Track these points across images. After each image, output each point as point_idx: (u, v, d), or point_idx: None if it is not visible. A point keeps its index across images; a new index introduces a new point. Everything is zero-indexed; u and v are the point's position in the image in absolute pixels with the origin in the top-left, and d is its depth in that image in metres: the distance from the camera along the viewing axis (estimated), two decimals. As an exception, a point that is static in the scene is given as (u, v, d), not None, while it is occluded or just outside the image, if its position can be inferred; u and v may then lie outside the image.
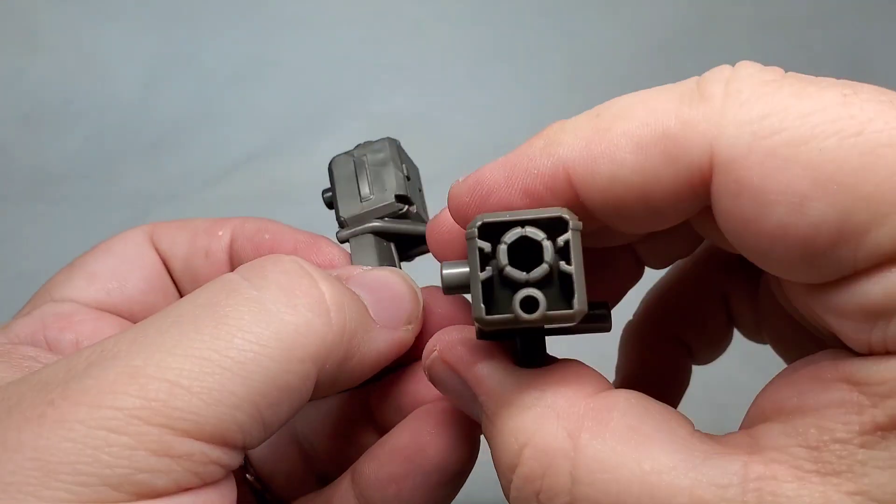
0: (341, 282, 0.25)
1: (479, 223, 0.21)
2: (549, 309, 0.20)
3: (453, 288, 0.23)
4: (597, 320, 0.26)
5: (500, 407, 0.22)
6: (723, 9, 0.83)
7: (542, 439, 0.21)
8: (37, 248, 0.68)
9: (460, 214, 0.24)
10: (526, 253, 0.21)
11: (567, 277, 0.21)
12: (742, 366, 0.65)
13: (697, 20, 0.83)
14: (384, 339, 0.26)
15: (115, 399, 0.20)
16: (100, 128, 0.76)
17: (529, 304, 0.20)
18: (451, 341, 0.25)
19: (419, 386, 0.28)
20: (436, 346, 0.25)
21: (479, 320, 0.21)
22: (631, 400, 0.21)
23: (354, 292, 0.25)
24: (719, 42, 0.83)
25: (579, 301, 0.20)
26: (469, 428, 0.27)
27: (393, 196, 0.31)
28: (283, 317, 0.22)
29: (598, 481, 0.20)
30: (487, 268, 0.21)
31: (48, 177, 0.74)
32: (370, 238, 0.31)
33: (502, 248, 0.21)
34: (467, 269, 0.22)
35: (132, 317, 0.30)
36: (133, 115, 0.77)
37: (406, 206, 0.32)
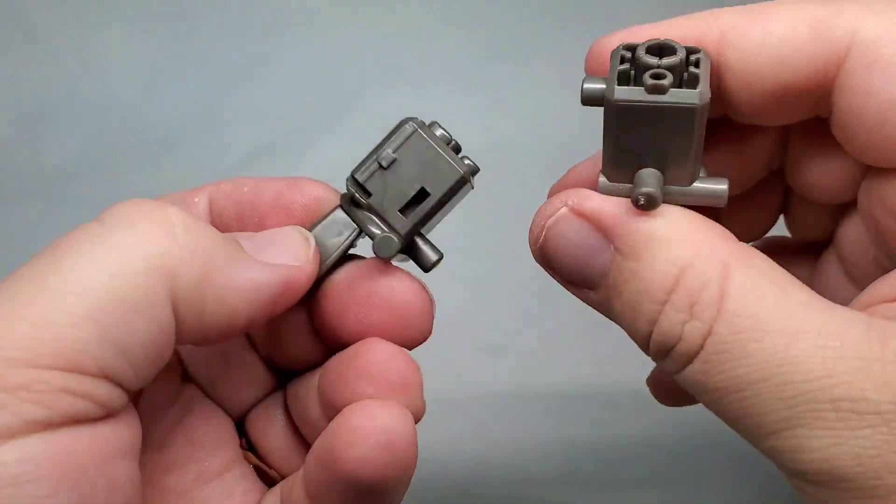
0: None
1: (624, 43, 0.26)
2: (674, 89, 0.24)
3: (590, 100, 0.26)
4: (713, 183, 0.27)
5: (651, 242, 0.24)
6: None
7: (701, 263, 0.24)
8: (37, 248, 0.68)
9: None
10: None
11: (694, 78, 0.24)
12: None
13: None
14: (260, 269, 0.25)
15: None
16: (100, 128, 0.76)
17: (658, 77, 0.24)
18: (583, 195, 0.26)
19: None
20: (566, 202, 0.25)
21: (610, 97, 0.24)
22: (765, 255, 0.25)
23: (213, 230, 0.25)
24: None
25: (702, 90, 0.24)
26: None
27: (350, 177, 0.29)
28: (119, 234, 0.22)
29: (745, 298, 0.23)
30: (625, 64, 0.25)
31: (48, 177, 0.74)
32: (337, 212, 0.29)
33: (641, 47, 0.25)
34: (604, 84, 0.25)
35: None
36: (133, 115, 0.77)
37: (359, 196, 0.28)
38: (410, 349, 0.28)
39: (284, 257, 0.26)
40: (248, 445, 0.30)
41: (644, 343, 0.25)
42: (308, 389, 0.29)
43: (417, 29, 0.81)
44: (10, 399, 0.19)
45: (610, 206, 0.25)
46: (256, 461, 0.30)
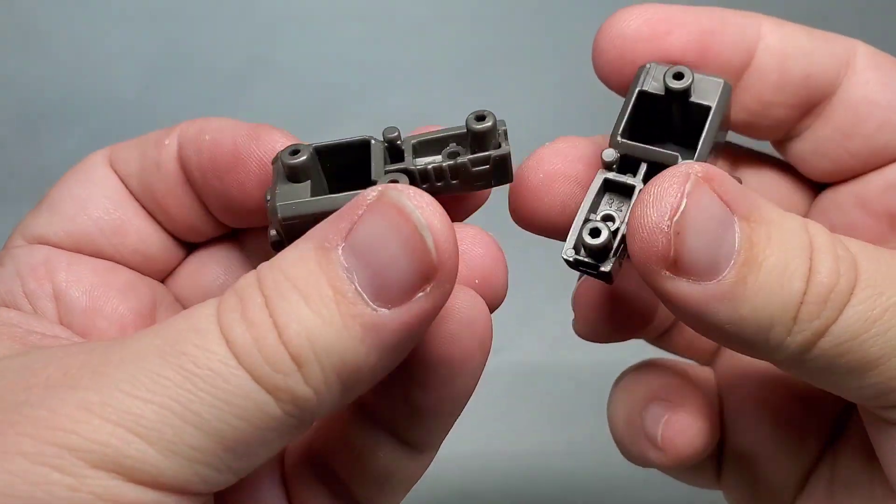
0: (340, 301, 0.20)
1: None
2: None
3: None
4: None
5: (773, 207, 0.23)
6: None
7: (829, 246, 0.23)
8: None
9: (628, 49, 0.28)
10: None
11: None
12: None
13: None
14: (390, 327, 0.20)
15: (64, 437, 0.19)
16: (100, 127, 0.76)
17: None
18: (717, 171, 0.23)
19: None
20: (692, 170, 0.22)
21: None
22: None
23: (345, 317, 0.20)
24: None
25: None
26: None
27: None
28: (247, 381, 0.20)
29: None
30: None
31: (48, 177, 0.74)
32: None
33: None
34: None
35: (100, 252, 0.28)
36: (133, 115, 0.77)
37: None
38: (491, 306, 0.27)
39: (406, 279, 0.21)
40: None
41: (791, 315, 0.22)
42: None
43: (417, 29, 0.81)
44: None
45: (741, 188, 0.23)
46: None
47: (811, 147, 0.29)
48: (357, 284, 0.20)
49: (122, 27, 0.79)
